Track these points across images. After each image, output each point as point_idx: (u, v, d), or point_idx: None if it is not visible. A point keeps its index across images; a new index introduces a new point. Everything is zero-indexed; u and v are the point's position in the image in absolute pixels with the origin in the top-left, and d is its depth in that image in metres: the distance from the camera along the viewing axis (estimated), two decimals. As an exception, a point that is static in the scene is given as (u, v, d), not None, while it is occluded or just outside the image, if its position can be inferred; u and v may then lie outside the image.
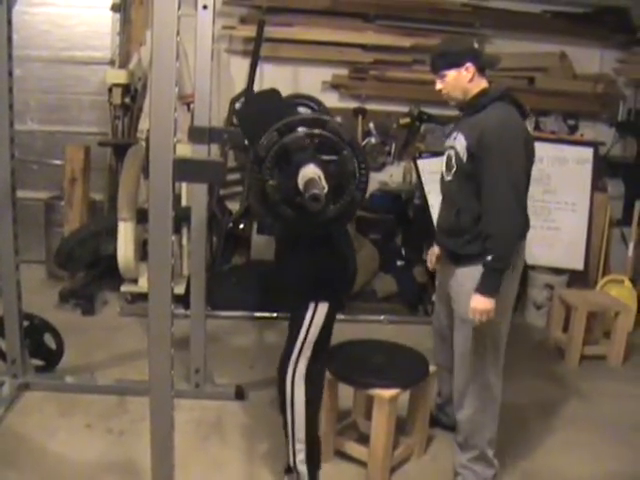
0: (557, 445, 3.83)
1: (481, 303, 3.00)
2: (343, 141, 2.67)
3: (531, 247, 5.58)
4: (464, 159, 3.06)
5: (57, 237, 5.80)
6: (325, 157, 2.67)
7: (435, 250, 3.54)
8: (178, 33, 2.35)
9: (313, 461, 3.09)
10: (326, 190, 2.57)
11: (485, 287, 3.01)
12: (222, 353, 4.67)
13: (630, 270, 5.89)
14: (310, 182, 2.54)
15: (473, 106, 3.10)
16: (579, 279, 5.82)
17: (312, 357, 3.02)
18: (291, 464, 3.10)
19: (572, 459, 3.69)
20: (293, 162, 2.65)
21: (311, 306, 3.02)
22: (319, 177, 2.58)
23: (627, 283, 5.64)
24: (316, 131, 2.68)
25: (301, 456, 3.05)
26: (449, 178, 3.20)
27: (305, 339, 3.02)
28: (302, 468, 3.07)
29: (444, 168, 3.23)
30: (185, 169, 2.44)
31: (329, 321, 3.08)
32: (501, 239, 2.98)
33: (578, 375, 4.79)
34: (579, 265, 5.75)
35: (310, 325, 3.02)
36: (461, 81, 3.09)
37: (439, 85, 3.15)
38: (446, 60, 3.10)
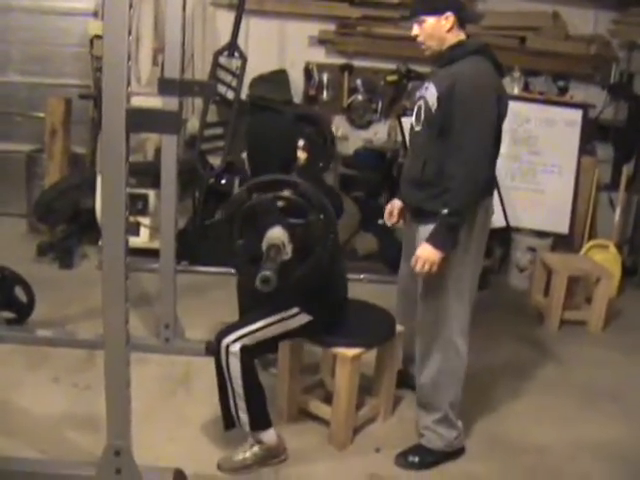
0: (528, 409, 3.82)
1: (427, 253, 2.95)
2: (312, 205, 2.69)
3: (515, 209, 5.55)
4: (433, 109, 3.00)
5: (38, 190, 5.75)
6: (293, 220, 2.70)
7: (396, 203, 3.47)
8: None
9: (255, 408, 3.03)
10: (289, 256, 2.66)
11: (436, 240, 2.95)
12: (197, 308, 4.64)
13: (616, 235, 5.83)
14: (269, 251, 2.61)
15: (447, 57, 3.03)
16: (564, 243, 5.77)
17: (250, 348, 3.00)
18: (233, 415, 3.06)
19: (541, 424, 3.68)
20: (260, 224, 2.69)
21: (294, 310, 3.08)
22: (283, 243, 2.65)
23: (612, 249, 5.59)
24: (285, 193, 2.71)
25: (242, 404, 3.00)
26: (418, 129, 3.14)
27: (262, 328, 3.03)
28: (243, 416, 3.02)
29: (414, 118, 3.17)
30: (138, 119, 2.40)
31: (297, 333, 3.13)
32: (462, 192, 2.91)
33: (556, 340, 4.76)
34: (564, 229, 5.71)
35: (279, 321, 3.06)
36: (439, 29, 3.01)
37: (416, 30, 3.06)
38: (427, 5, 3.02)
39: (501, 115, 3.01)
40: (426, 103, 3.04)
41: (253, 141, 3.14)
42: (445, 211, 2.91)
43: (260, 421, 3.06)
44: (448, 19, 2.98)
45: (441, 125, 2.98)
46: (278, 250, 2.62)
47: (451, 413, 3.21)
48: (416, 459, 3.23)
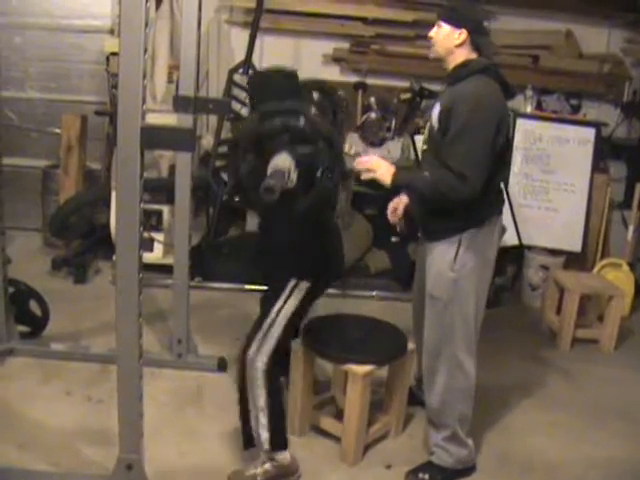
0: (538, 427, 3.81)
1: (384, 168, 2.99)
2: (320, 134, 2.70)
3: (528, 227, 5.55)
4: (435, 128, 3.01)
5: (54, 205, 5.79)
6: (300, 148, 2.70)
7: (403, 198, 3.49)
8: (147, 0, 2.32)
9: (276, 425, 3.03)
10: (294, 183, 2.62)
11: (402, 176, 2.99)
12: (210, 324, 4.66)
13: (629, 254, 5.82)
14: (274, 173, 2.57)
15: (454, 76, 3.05)
16: (577, 261, 5.75)
17: (275, 349, 3.00)
18: (253, 433, 3.03)
19: (552, 442, 3.67)
20: (267, 150, 2.68)
21: (292, 282, 3.03)
22: (289, 169, 2.61)
23: (625, 267, 5.56)
24: (293, 121, 2.71)
25: (263, 420, 2.98)
26: (425, 147, 3.17)
27: (276, 318, 3.01)
28: (264, 433, 3.00)
29: (423, 138, 3.19)
30: (153, 137, 2.43)
31: (304, 305, 3.10)
32: (439, 189, 2.90)
33: (568, 358, 4.74)
34: (576, 247, 5.70)
35: (284, 304, 3.03)
36: (449, 40, 3.03)
37: (432, 32, 3.10)
38: (449, 14, 3.05)
39: (503, 136, 2.98)
40: (431, 122, 3.07)
41: (259, 95, 3.10)
42: (427, 175, 2.97)
43: (279, 440, 3.06)
44: (461, 35, 3.00)
45: (441, 143, 2.98)
46: (282, 174, 2.58)
47: (460, 431, 3.20)
48: (426, 476, 3.22)
